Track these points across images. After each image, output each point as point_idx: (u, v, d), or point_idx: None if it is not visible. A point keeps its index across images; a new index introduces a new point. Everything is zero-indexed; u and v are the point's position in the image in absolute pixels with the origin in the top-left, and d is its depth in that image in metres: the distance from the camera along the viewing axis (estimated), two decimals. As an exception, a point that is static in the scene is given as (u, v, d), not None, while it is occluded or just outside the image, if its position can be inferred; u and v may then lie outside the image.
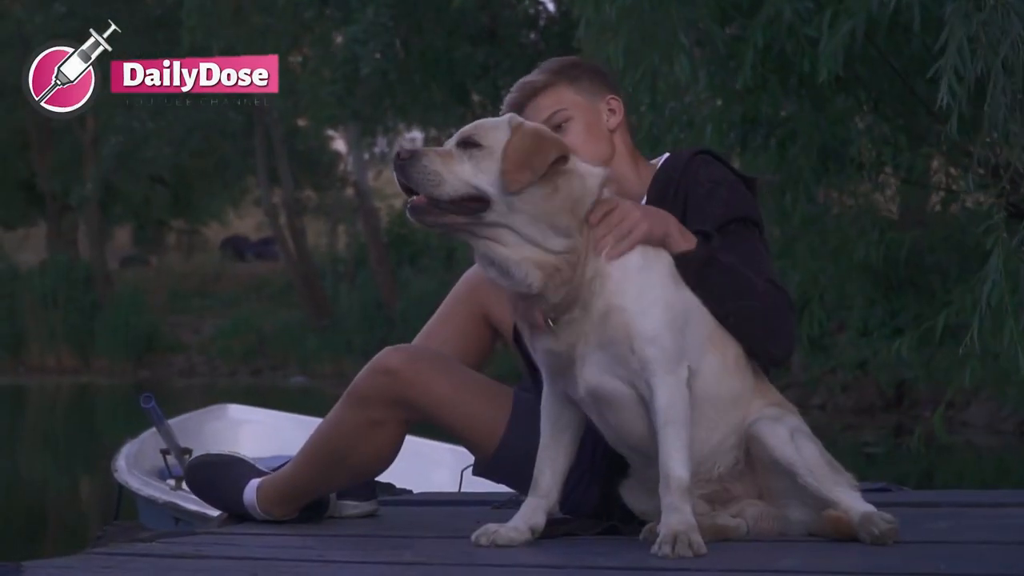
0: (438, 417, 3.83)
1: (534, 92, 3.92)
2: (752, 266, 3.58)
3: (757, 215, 3.74)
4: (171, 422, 8.65)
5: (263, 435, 8.06)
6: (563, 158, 3.38)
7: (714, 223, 3.63)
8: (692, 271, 3.46)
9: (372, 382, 3.82)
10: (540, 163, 3.33)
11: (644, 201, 3.82)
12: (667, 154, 4.00)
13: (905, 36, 9.31)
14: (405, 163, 3.34)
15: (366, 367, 3.86)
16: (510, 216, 3.35)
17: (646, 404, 3.42)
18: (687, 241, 3.48)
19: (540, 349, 3.48)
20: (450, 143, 3.42)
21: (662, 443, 3.37)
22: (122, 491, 6.91)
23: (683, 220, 3.65)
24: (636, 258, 3.41)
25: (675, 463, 3.36)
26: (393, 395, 3.80)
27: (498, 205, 3.33)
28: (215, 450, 8.29)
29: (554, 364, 3.48)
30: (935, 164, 10.66)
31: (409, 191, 3.36)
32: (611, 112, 3.97)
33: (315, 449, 3.95)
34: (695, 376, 3.42)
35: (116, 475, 7.22)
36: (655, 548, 3.29)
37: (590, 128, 3.91)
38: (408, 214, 3.38)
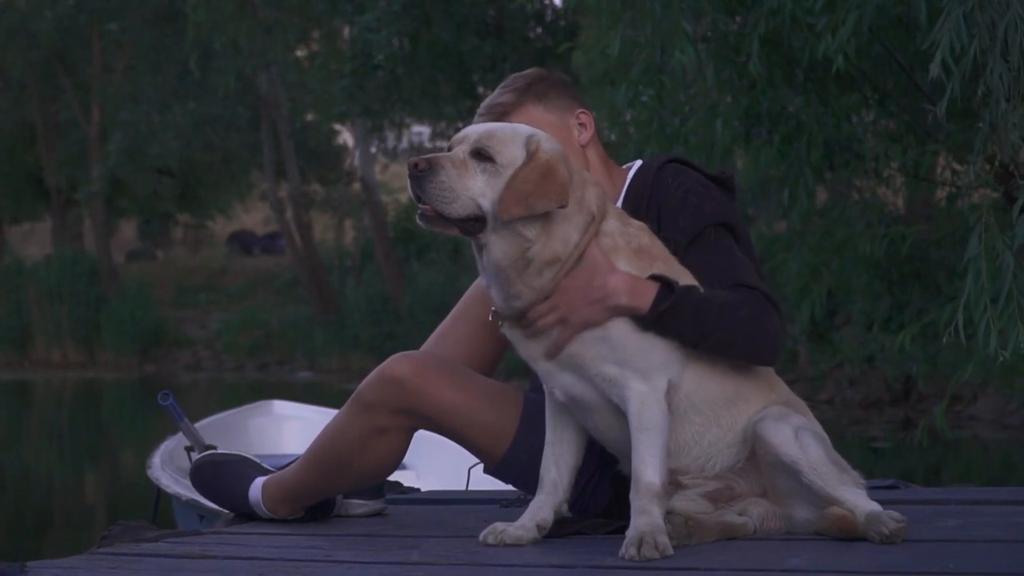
0: (446, 425, 3.82)
1: (503, 113, 3.88)
2: (727, 272, 3.54)
3: (731, 218, 3.68)
4: (216, 417, 8.67)
5: (307, 431, 8.07)
6: (561, 207, 3.36)
7: (687, 235, 3.60)
8: (650, 324, 3.41)
9: (379, 390, 3.80)
10: (539, 205, 3.33)
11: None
12: (638, 161, 3.98)
13: (909, 32, 9.29)
14: (423, 176, 3.33)
15: (373, 374, 3.84)
16: (491, 237, 3.37)
17: (619, 409, 3.45)
18: (639, 299, 3.39)
19: (524, 350, 3.52)
20: (463, 148, 3.39)
21: (635, 449, 3.39)
22: (160, 490, 6.93)
23: (658, 231, 3.63)
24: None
25: (646, 468, 3.37)
26: (400, 404, 3.79)
27: (489, 227, 3.36)
28: (257, 446, 8.26)
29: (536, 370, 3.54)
30: (940, 160, 10.65)
31: (420, 198, 3.36)
32: (581, 126, 3.93)
33: (320, 453, 3.94)
34: (677, 384, 3.44)
35: (149, 472, 7.23)
36: (622, 551, 3.30)
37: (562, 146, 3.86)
38: (418, 219, 3.40)
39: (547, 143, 3.42)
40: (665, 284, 3.40)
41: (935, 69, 7.00)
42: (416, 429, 3.87)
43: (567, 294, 3.39)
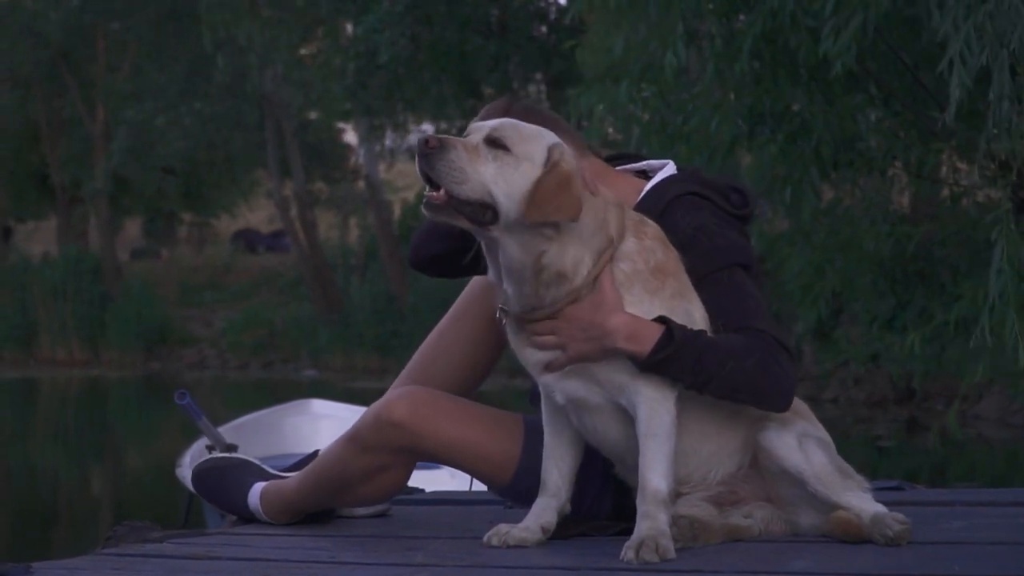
0: (448, 460, 3.81)
1: None
2: (737, 314, 3.48)
3: (744, 257, 3.59)
4: (254, 415, 8.69)
5: (344, 430, 8.12)
6: (572, 221, 3.31)
7: (697, 274, 3.51)
8: (646, 369, 3.37)
9: (377, 433, 3.77)
10: (554, 215, 3.28)
11: None
12: (668, 165, 3.86)
13: (914, 30, 9.30)
14: (432, 153, 3.27)
15: (370, 416, 3.80)
16: (505, 234, 3.32)
17: (622, 409, 3.44)
18: (638, 344, 3.34)
19: (520, 355, 3.50)
20: (477, 136, 3.34)
21: (643, 454, 3.37)
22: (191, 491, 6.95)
23: None
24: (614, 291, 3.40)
25: (654, 474, 3.35)
26: (399, 445, 3.77)
27: (502, 220, 3.30)
28: (293, 444, 8.27)
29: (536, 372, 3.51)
30: (945, 159, 10.66)
31: (428, 180, 3.30)
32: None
33: (319, 480, 3.93)
34: (684, 396, 3.41)
35: (178, 471, 7.23)
36: (622, 553, 3.29)
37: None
38: (423, 208, 3.34)
39: (569, 155, 3.37)
40: (668, 330, 3.34)
41: (956, 92, 7.02)
42: (418, 461, 3.87)
43: (570, 322, 3.36)
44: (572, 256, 3.34)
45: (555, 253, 3.32)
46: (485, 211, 3.30)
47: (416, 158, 3.31)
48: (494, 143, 3.32)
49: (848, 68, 8.52)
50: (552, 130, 3.53)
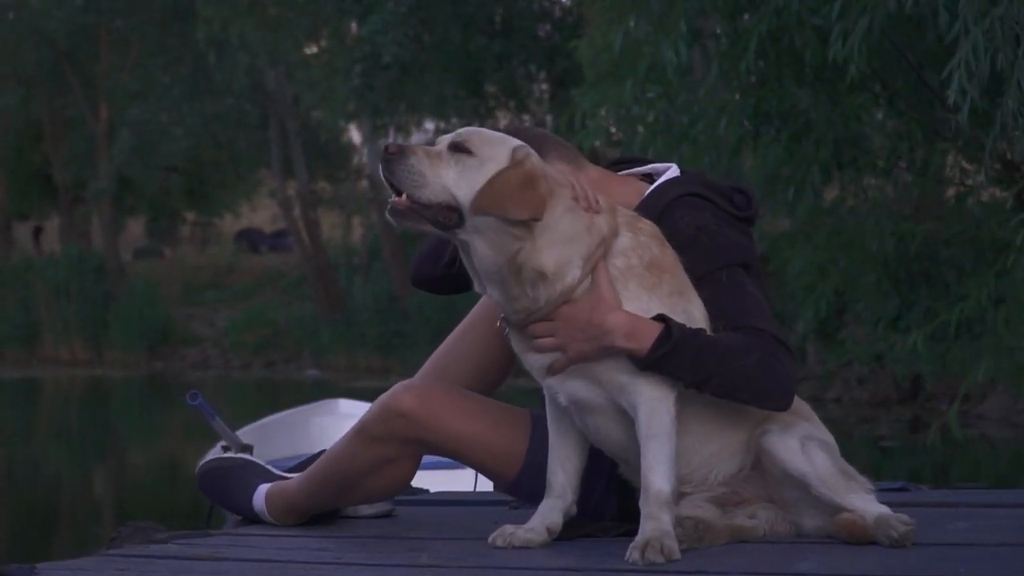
0: (455, 453, 3.80)
1: None
2: (736, 313, 3.46)
3: (745, 256, 3.58)
4: (282, 415, 8.68)
5: None
6: (534, 219, 3.30)
7: (696, 274, 3.50)
8: (646, 367, 3.36)
9: (385, 424, 3.77)
10: (513, 211, 3.27)
11: None
12: (670, 169, 3.85)
13: (919, 29, 9.29)
14: (392, 158, 3.29)
15: (378, 407, 3.80)
16: (473, 236, 3.32)
17: (624, 410, 3.43)
18: (637, 342, 3.32)
19: (524, 360, 3.51)
20: (442, 143, 3.37)
21: (644, 456, 3.36)
22: None
23: None
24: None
25: (656, 476, 3.35)
26: (407, 437, 3.76)
27: (467, 223, 3.30)
28: (319, 444, 8.31)
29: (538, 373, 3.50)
30: (950, 158, 10.65)
31: (392, 186, 3.31)
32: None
33: (325, 476, 3.92)
34: (684, 395, 3.40)
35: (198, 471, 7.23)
36: (627, 555, 3.28)
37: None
38: (387, 214, 3.36)
39: (535, 158, 3.38)
40: (667, 328, 3.33)
41: (952, 96, 7.02)
42: (425, 454, 3.86)
43: (567, 323, 3.36)
44: (554, 257, 3.33)
45: (529, 252, 3.31)
46: (450, 214, 3.30)
47: (379, 165, 3.33)
48: (458, 148, 3.33)
49: (860, 71, 8.53)
50: (542, 146, 3.56)
